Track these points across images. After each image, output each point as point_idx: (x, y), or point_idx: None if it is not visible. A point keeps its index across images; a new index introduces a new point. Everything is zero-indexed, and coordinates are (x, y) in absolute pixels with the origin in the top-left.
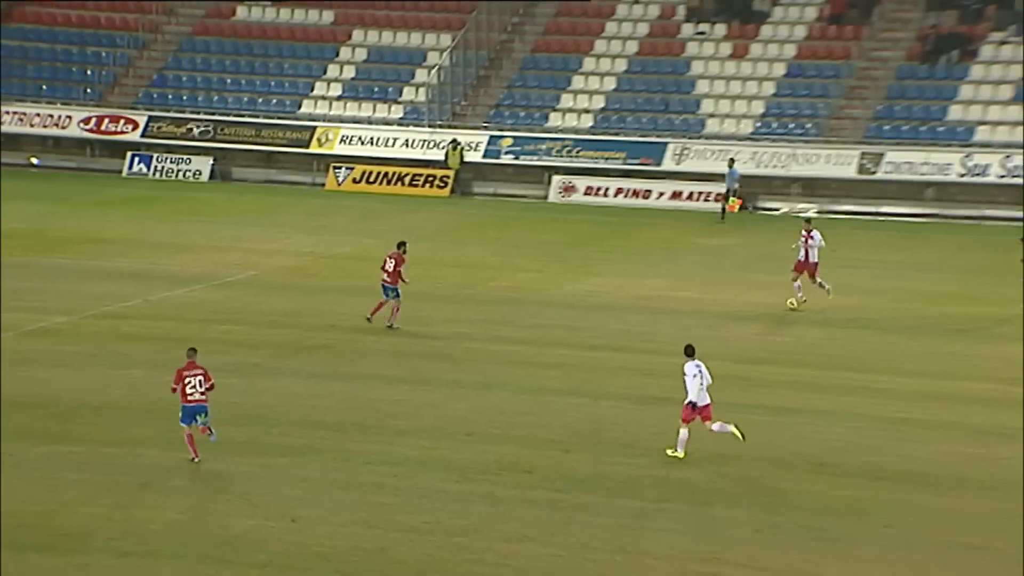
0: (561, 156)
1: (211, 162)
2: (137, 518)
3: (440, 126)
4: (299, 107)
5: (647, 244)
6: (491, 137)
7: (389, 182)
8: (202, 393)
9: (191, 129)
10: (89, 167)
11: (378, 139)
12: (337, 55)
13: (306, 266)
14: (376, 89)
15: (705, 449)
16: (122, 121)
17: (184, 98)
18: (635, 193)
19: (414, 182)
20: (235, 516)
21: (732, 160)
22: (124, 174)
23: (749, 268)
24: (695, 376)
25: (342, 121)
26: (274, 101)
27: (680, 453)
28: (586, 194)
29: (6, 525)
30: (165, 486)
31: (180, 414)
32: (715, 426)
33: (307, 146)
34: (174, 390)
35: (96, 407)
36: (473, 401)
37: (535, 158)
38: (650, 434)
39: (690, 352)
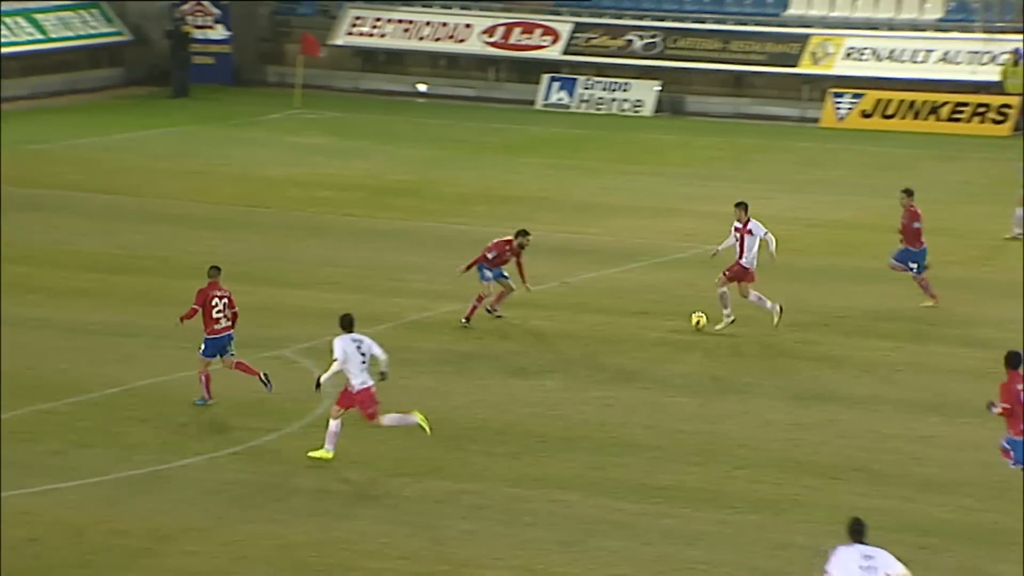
0: None
1: (657, 88)
2: None
3: (1000, 31)
4: (785, 7)
5: None
6: None
7: (917, 116)
8: (229, 320)
9: (631, 42)
10: (492, 95)
11: (901, 52)
12: None
13: (791, 237)
14: None
15: None
16: (538, 31)
17: None
18: None
19: (956, 115)
20: None
21: None
22: (538, 105)
23: None
24: None
25: (848, 26)
26: (749, 0)
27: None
28: None
29: None
30: (588, 545)
31: (202, 347)
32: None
33: (795, 64)
34: (192, 314)
35: (498, 430)
36: None
37: None
38: None
39: None
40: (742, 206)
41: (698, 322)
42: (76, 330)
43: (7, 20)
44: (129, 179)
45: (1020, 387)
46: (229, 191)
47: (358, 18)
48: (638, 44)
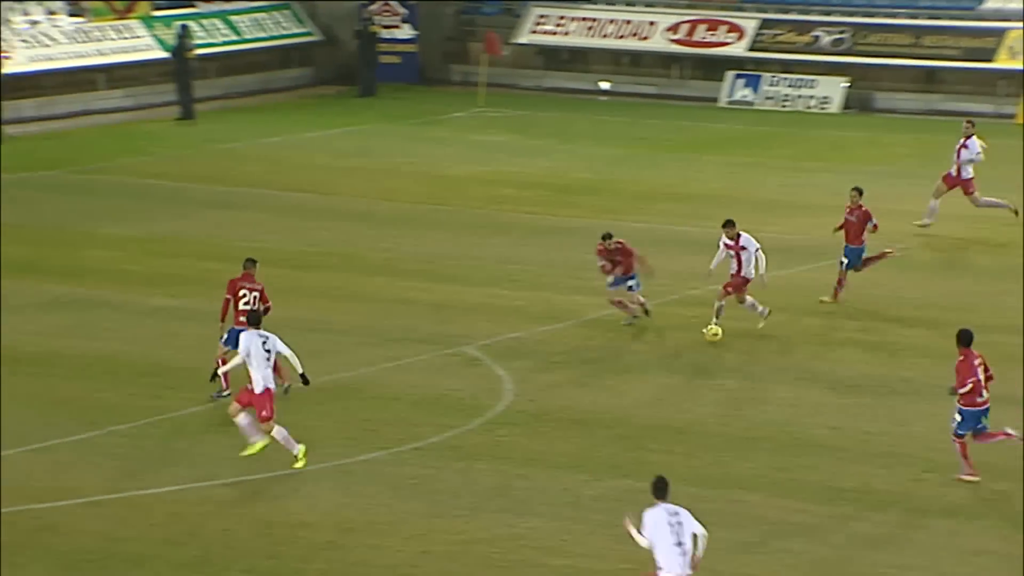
0: None
1: (844, 85)
2: None
3: None
4: (980, 0)
5: None
6: None
7: None
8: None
9: (818, 37)
10: (674, 93)
11: None
12: None
13: (985, 235)
14: None
15: None
16: (723, 28)
17: None
18: None
19: None
20: None
21: None
22: (722, 102)
23: None
24: None
25: None
26: None
27: None
28: None
29: None
30: (770, 547)
31: (224, 336)
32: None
33: (991, 59)
34: (226, 306)
35: (678, 429)
36: None
37: None
38: None
39: None
40: (730, 224)
41: (715, 334)
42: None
43: (204, 22)
44: (315, 177)
45: (977, 362)
46: (413, 189)
47: (542, 16)
48: (826, 40)
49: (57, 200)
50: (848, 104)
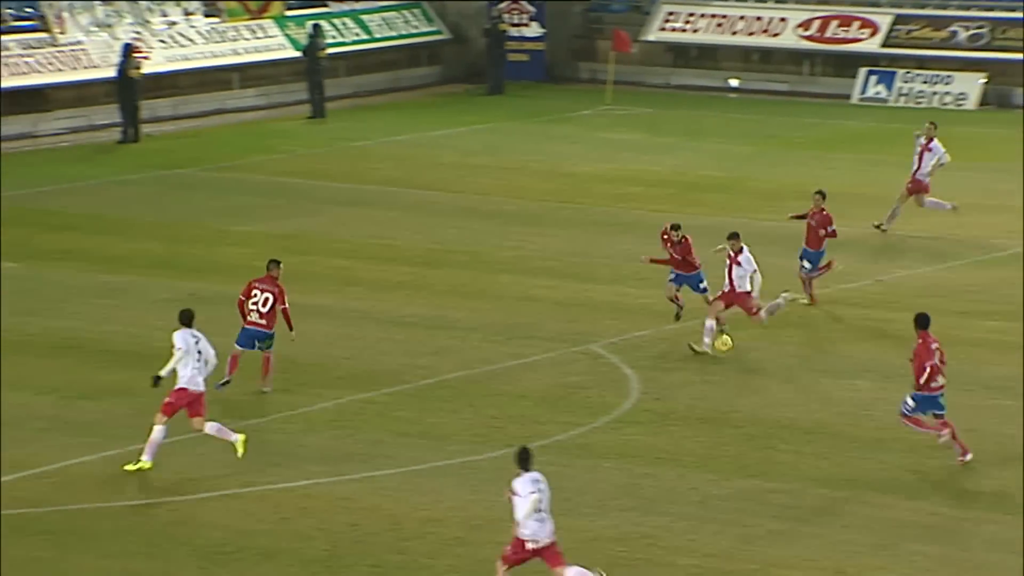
0: None
1: (982, 81)
2: None
3: None
4: None
5: None
6: None
7: None
8: (263, 316)
9: (955, 33)
10: (805, 90)
11: None
12: None
13: None
14: None
15: None
16: (856, 24)
17: None
18: None
19: None
20: None
21: None
22: (854, 99)
23: None
24: None
25: None
26: None
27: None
28: None
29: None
30: (902, 549)
31: (238, 335)
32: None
33: None
34: (241, 304)
35: (807, 430)
36: None
37: None
38: None
39: None
40: (734, 237)
41: (725, 343)
42: (392, 322)
43: (335, 21)
44: (443, 175)
45: (935, 346)
46: (539, 187)
47: (671, 14)
48: (962, 35)
49: (191, 197)
50: (985, 100)
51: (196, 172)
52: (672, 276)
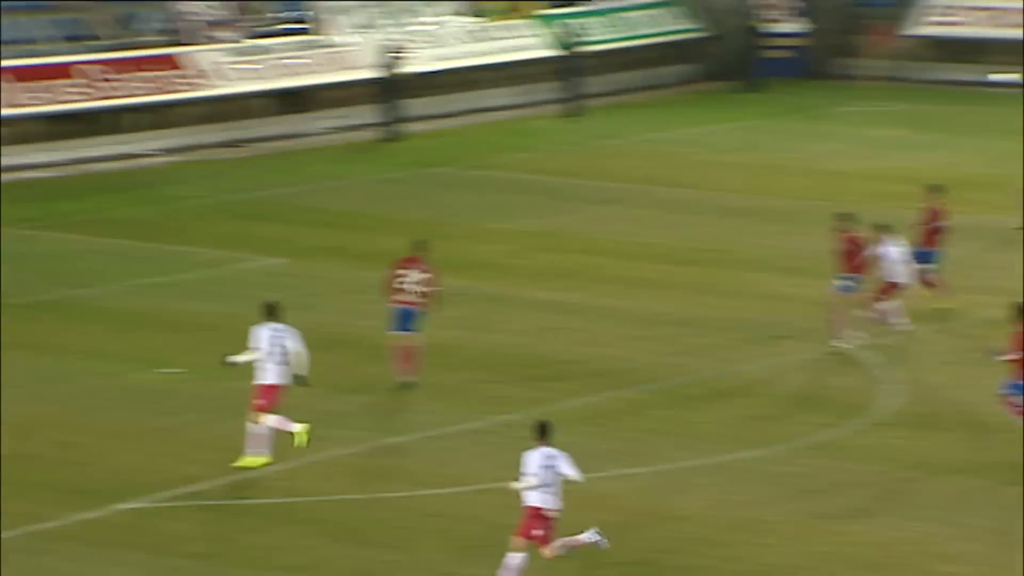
0: None
1: None
2: None
3: None
4: None
5: None
6: None
7: None
8: (419, 295)
9: None
10: None
11: None
12: None
13: None
14: None
15: None
16: None
17: None
18: None
19: None
20: None
21: None
22: None
23: None
24: None
25: None
26: None
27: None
28: None
29: None
30: None
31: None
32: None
33: None
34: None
35: None
36: None
37: None
38: None
39: None
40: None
41: None
42: (644, 320)
43: (591, 19)
44: (697, 173)
45: None
46: (795, 184)
47: (934, 8)
48: None
49: (448, 195)
50: None
51: (453, 170)
52: (840, 282)
